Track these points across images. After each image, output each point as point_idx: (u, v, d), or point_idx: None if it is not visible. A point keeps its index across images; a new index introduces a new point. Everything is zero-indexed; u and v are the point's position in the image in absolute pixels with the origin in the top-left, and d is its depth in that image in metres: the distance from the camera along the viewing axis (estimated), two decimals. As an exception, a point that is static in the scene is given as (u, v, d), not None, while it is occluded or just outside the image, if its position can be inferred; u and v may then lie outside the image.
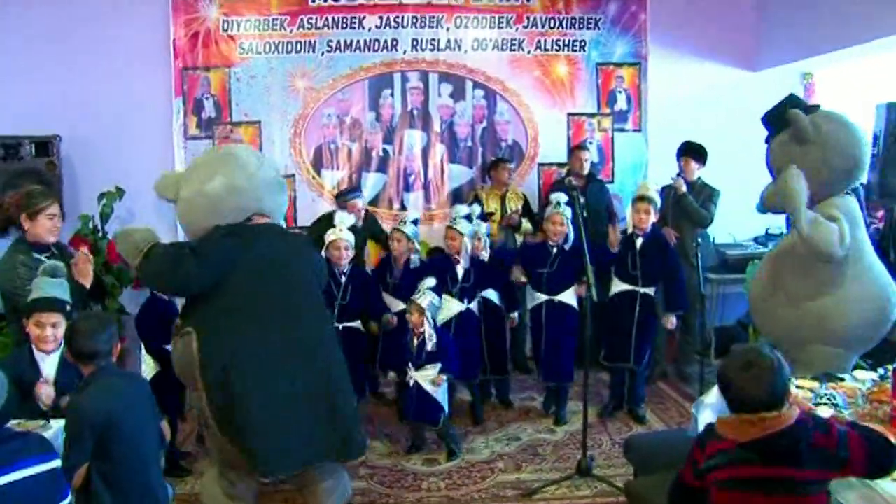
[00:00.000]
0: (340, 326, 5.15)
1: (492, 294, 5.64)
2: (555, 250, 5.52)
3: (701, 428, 3.53)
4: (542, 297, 5.56)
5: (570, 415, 5.64)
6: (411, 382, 4.98)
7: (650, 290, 5.53)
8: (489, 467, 4.87)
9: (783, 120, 4.35)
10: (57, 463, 2.67)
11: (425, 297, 4.92)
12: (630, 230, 5.57)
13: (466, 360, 5.34)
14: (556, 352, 5.55)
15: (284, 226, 4.37)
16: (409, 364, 5.00)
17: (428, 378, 4.93)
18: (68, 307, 3.68)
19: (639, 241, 5.49)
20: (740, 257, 6.79)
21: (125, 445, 3.10)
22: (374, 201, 7.07)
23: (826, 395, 3.21)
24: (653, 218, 5.49)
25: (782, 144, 4.36)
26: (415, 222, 5.86)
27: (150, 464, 3.28)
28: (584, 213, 6.09)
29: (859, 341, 4.18)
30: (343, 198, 6.14)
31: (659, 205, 5.56)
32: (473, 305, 5.54)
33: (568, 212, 5.48)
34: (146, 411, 3.29)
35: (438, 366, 4.94)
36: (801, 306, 4.22)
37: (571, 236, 5.50)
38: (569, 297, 5.56)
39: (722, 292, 7.00)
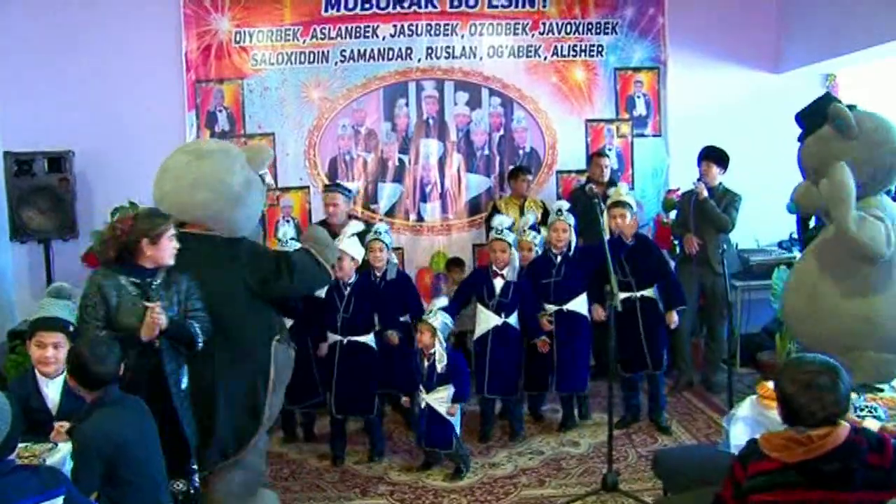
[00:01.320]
0: (345, 340, 5.05)
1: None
2: (559, 258, 5.40)
3: (733, 442, 3.43)
4: (551, 308, 5.43)
5: (592, 426, 5.56)
6: (423, 405, 4.83)
7: (648, 292, 5.47)
8: (512, 482, 4.75)
9: (819, 117, 4.19)
10: (59, 501, 2.50)
11: (437, 316, 4.77)
12: (609, 235, 5.35)
13: (503, 376, 5.29)
14: (570, 361, 5.42)
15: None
16: (421, 387, 4.85)
17: (439, 401, 4.78)
18: (71, 328, 3.58)
19: (624, 248, 5.43)
20: (764, 263, 6.66)
21: (134, 471, 3.03)
22: (390, 212, 6.98)
23: (867, 406, 3.06)
24: (631, 220, 5.45)
25: (822, 140, 4.17)
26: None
27: (159, 487, 3.20)
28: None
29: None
30: (325, 188, 6.09)
31: (635, 209, 5.57)
32: (512, 320, 5.39)
33: (570, 219, 5.39)
34: (152, 435, 3.22)
35: (451, 388, 4.80)
36: (844, 310, 4.06)
37: (573, 244, 5.41)
38: (578, 305, 5.43)
39: (747, 298, 6.84)
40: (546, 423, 5.71)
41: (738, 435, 3.43)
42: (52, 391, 3.61)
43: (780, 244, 7.17)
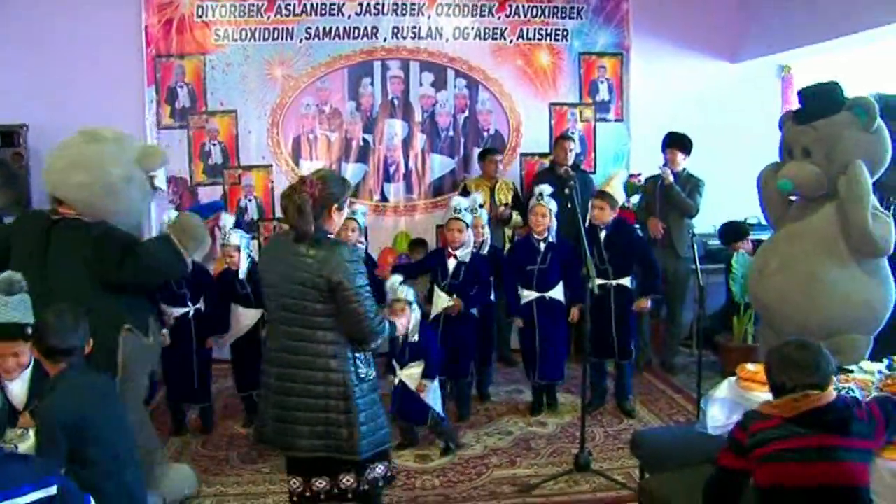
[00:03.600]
0: None
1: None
2: (543, 245, 5.39)
3: (710, 423, 3.52)
4: (533, 295, 5.43)
5: (559, 406, 5.64)
6: (397, 381, 4.86)
7: (624, 281, 5.45)
8: (483, 463, 4.78)
9: (832, 102, 4.23)
10: (53, 490, 2.39)
11: (406, 290, 4.72)
12: (588, 223, 5.43)
13: (456, 357, 5.29)
14: (549, 350, 5.44)
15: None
16: (395, 362, 4.88)
17: (413, 377, 4.80)
18: (30, 329, 3.30)
19: (602, 234, 5.40)
20: (721, 247, 6.80)
21: (99, 447, 2.94)
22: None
23: (844, 388, 3.17)
24: (610, 213, 5.38)
25: (838, 126, 4.19)
26: (238, 225, 5.73)
27: (126, 464, 3.10)
28: (569, 205, 6.09)
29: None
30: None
31: (618, 203, 5.48)
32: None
33: (552, 204, 5.37)
34: (116, 409, 3.13)
35: (422, 364, 4.82)
36: (848, 296, 4.17)
37: (554, 228, 5.41)
38: (558, 293, 5.46)
39: (703, 283, 6.96)
40: (512, 404, 5.79)
41: (716, 416, 3.51)
42: (16, 387, 3.38)
43: (735, 229, 7.32)
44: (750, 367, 3.48)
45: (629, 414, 5.50)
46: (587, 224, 5.35)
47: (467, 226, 5.34)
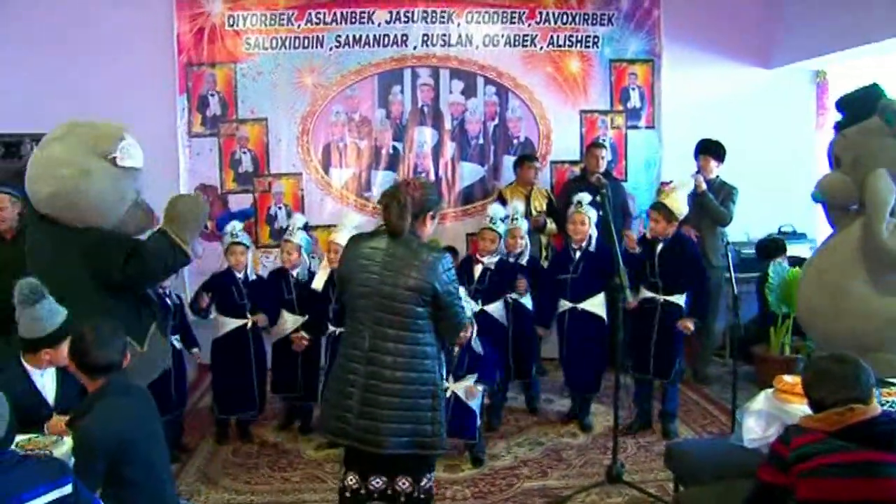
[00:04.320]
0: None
1: (525, 298, 5.49)
2: (578, 254, 5.30)
3: (747, 436, 3.45)
4: (566, 305, 5.37)
5: (592, 417, 5.54)
6: (448, 394, 4.74)
7: (674, 299, 5.14)
8: (513, 474, 4.73)
9: (865, 108, 4.15)
10: (68, 489, 2.36)
11: (469, 304, 4.72)
12: (648, 235, 5.37)
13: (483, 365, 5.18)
14: (580, 362, 5.36)
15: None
16: (449, 375, 4.75)
17: (465, 389, 4.75)
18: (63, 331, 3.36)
19: (658, 247, 5.18)
20: (754, 256, 6.71)
21: (139, 468, 2.88)
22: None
23: (886, 402, 3.09)
24: (665, 226, 5.11)
25: (867, 132, 4.13)
26: (305, 228, 5.59)
27: (164, 483, 3.07)
28: (601, 213, 6.02)
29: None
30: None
31: (677, 215, 5.14)
32: (491, 308, 5.38)
33: (591, 212, 5.28)
34: (155, 428, 3.07)
35: (475, 375, 4.79)
36: (874, 310, 4.08)
37: (594, 238, 5.31)
38: (594, 305, 5.34)
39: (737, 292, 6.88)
40: (542, 414, 5.73)
41: (752, 428, 3.43)
42: (47, 381, 3.46)
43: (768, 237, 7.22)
44: (787, 378, 3.41)
45: (668, 436, 5.20)
46: (644, 235, 5.29)
47: (500, 236, 5.32)
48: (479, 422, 4.87)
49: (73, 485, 2.35)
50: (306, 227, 5.70)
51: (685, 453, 3.77)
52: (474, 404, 4.78)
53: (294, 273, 5.32)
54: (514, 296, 5.45)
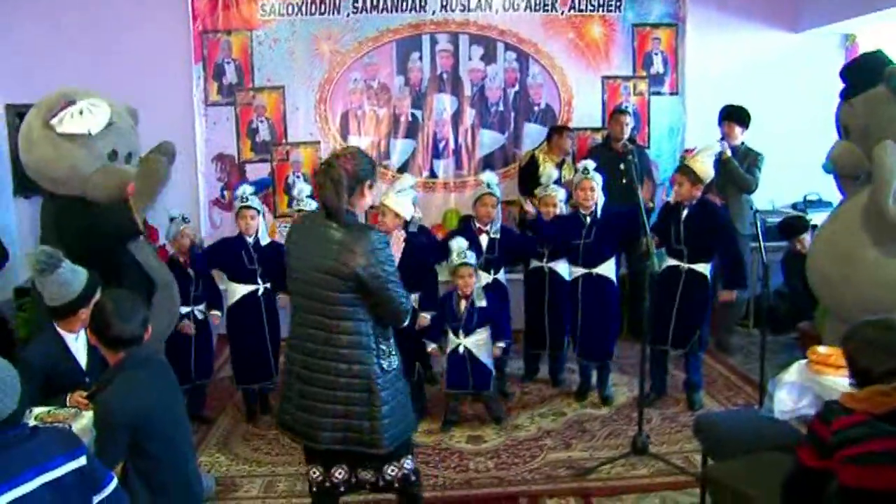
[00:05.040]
0: None
1: (560, 265, 5.41)
2: (588, 220, 5.19)
3: (778, 408, 3.37)
4: (580, 271, 5.27)
5: (612, 387, 5.49)
6: (461, 349, 4.78)
7: (699, 267, 5.01)
8: (537, 445, 4.69)
9: (870, 76, 4.04)
10: (83, 461, 2.29)
11: (469, 254, 4.77)
12: (673, 200, 5.25)
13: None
14: (595, 328, 5.25)
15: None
16: (459, 330, 4.81)
17: (480, 343, 4.77)
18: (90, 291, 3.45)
19: (684, 212, 5.01)
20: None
21: (161, 442, 2.83)
22: (402, 168, 6.83)
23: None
24: (690, 189, 4.96)
25: (873, 101, 4.03)
26: (312, 197, 5.36)
27: (187, 458, 3.03)
28: (624, 181, 5.93)
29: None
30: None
31: (703, 178, 5.00)
32: (501, 276, 5.34)
33: (598, 178, 5.17)
34: (176, 401, 3.02)
35: (487, 329, 4.82)
36: (884, 277, 4.00)
37: (600, 203, 5.21)
38: (607, 269, 5.27)
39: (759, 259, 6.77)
40: (565, 385, 5.65)
41: (784, 400, 3.35)
42: (80, 346, 3.49)
43: (794, 206, 7.12)
44: (821, 349, 3.33)
45: (693, 406, 5.17)
46: (671, 200, 5.19)
47: (499, 200, 5.27)
48: (493, 373, 4.90)
49: (86, 457, 2.30)
50: (312, 196, 5.57)
51: (714, 425, 3.68)
52: (487, 360, 4.80)
53: (262, 239, 5.18)
54: (549, 265, 5.42)
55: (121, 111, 4.27)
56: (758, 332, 6.68)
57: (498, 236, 5.26)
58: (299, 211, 5.15)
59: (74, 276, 3.42)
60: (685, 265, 5.05)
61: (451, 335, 4.86)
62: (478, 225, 5.27)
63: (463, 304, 4.81)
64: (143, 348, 2.92)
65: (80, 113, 3.95)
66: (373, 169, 3.16)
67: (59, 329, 3.47)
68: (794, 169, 6.64)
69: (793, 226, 6.08)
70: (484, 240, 5.24)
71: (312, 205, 5.17)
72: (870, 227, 4.06)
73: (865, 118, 4.03)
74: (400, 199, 4.80)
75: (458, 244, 4.81)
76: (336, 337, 3.05)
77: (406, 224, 5.10)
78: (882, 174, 3.85)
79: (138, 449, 2.76)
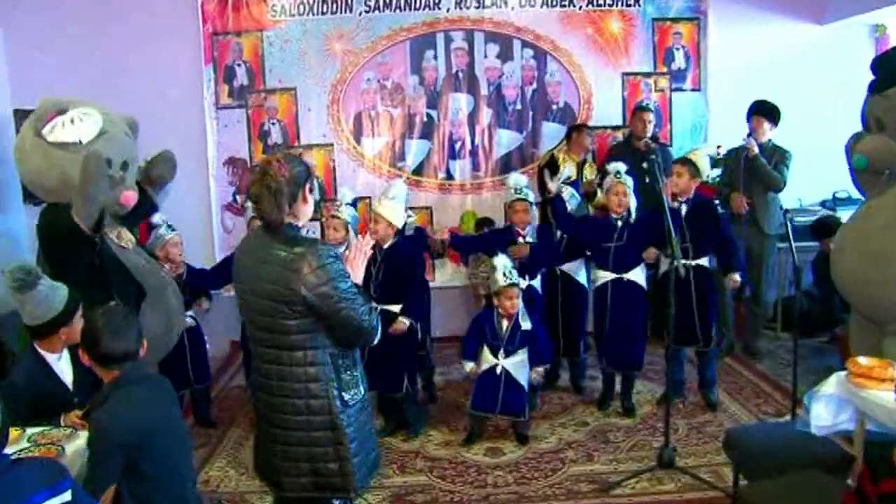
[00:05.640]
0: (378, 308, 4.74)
1: (576, 268, 5.29)
2: (619, 223, 5.02)
3: (815, 423, 3.16)
4: (609, 276, 5.06)
5: (635, 394, 5.29)
6: (499, 370, 4.59)
7: (703, 261, 5.02)
8: (558, 457, 4.50)
9: None
10: (67, 496, 2.14)
11: (515, 273, 4.59)
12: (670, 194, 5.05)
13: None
14: (625, 336, 5.05)
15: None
16: (499, 351, 4.62)
17: (518, 364, 4.60)
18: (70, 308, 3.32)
19: (683, 209, 4.99)
20: (807, 223, 6.36)
21: (159, 463, 2.68)
22: (417, 170, 6.67)
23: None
24: (688, 182, 4.98)
25: None
26: (353, 204, 5.28)
27: (185, 479, 2.88)
28: (647, 180, 5.74)
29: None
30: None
31: (699, 174, 5.04)
32: (536, 283, 5.15)
33: (629, 181, 5.01)
34: (175, 420, 2.89)
35: (526, 351, 4.66)
36: None
37: (633, 206, 5.03)
38: (637, 275, 5.08)
39: (787, 260, 6.55)
40: (587, 393, 5.47)
41: (821, 415, 3.14)
42: (63, 365, 3.34)
43: (823, 203, 6.89)
44: (862, 360, 3.10)
45: (713, 406, 5.12)
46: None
47: (532, 204, 5.10)
48: (527, 398, 4.70)
49: (71, 491, 2.14)
50: (354, 203, 5.41)
51: (746, 440, 3.49)
52: (523, 380, 4.61)
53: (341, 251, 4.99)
54: (564, 268, 5.28)
55: (115, 120, 4.16)
56: (787, 336, 6.51)
57: (534, 241, 5.11)
58: (334, 217, 5.00)
59: (54, 293, 3.28)
60: (691, 262, 5.00)
61: (487, 354, 4.66)
62: (517, 229, 5.13)
63: (505, 323, 4.63)
64: (140, 364, 2.78)
65: (72, 122, 3.90)
66: (309, 172, 2.83)
67: (39, 349, 3.30)
68: (823, 166, 6.36)
69: (827, 226, 5.85)
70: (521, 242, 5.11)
71: (350, 211, 5.03)
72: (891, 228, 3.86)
73: None
74: (393, 205, 4.68)
75: (504, 263, 4.61)
76: (289, 370, 2.74)
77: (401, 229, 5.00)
78: None
79: (134, 470, 2.62)
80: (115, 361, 2.70)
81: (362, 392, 2.89)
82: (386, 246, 4.72)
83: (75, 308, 3.22)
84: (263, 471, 2.93)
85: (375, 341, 2.86)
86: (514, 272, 4.60)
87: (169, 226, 4.94)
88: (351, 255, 2.93)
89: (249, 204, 4.99)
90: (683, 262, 4.92)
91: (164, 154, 4.47)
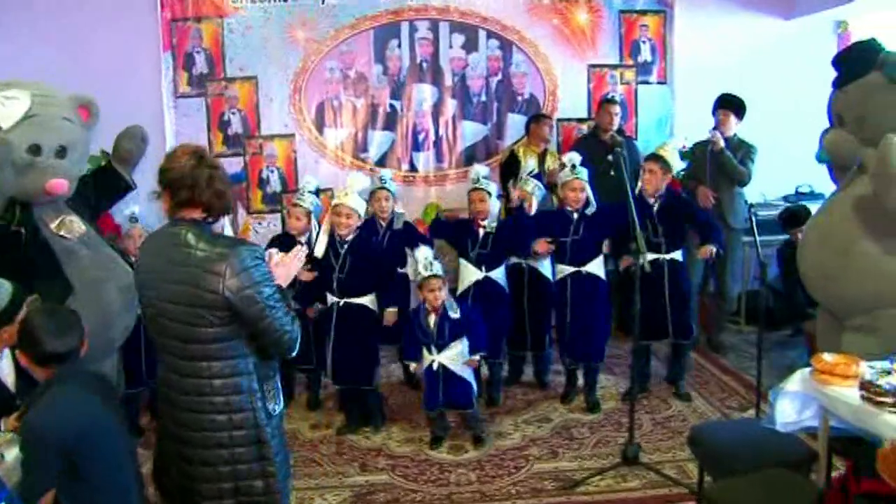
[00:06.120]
0: (341, 302, 4.68)
1: (542, 262, 5.19)
2: (575, 216, 4.96)
3: (780, 419, 3.13)
4: (567, 269, 5.01)
5: (600, 389, 5.24)
6: (435, 366, 4.48)
7: (677, 255, 5.04)
8: (522, 455, 4.42)
9: (864, 63, 3.83)
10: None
11: (436, 264, 4.46)
12: (637, 193, 5.04)
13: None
14: (585, 329, 5.00)
15: None
16: (431, 346, 4.50)
17: (454, 357, 4.46)
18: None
19: (655, 206, 4.97)
20: (770, 218, 6.36)
21: (97, 465, 2.54)
22: (381, 161, 6.57)
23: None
24: (661, 178, 4.97)
25: (868, 88, 3.80)
26: (316, 193, 5.19)
27: (129, 483, 2.72)
28: (612, 173, 5.69)
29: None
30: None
31: (671, 169, 5.06)
32: (495, 274, 5.05)
33: (584, 174, 4.94)
34: (114, 420, 2.72)
35: (463, 342, 4.49)
36: (887, 270, 3.76)
37: (591, 198, 4.98)
38: (596, 267, 5.03)
39: (751, 254, 6.56)
40: (551, 388, 5.40)
41: (786, 411, 3.10)
42: (5, 366, 3.12)
43: (785, 198, 6.90)
44: (827, 357, 3.06)
45: (683, 397, 5.12)
46: (636, 194, 4.96)
47: (489, 195, 5.01)
48: (475, 389, 4.58)
49: (5, 502, 2.02)
50: (317, 191, 5.31)
51: (711, 437, 3.44)
52: (466, 374, 4.51)
53: (301, 240, 4.88)
54: (529, 262, 5.18)
55: (54, 103, 3.88)
56: (750, 329, 6.52)
57: (493, 231, 5.01)
58: (296, 205, 4.89)
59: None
60: (665, 256, 4.99)
61: (425, 352, 4.55)
62: (478, 220, 5.04)
63: (432, 318, 4.48)
64: (74, 362, 2.64)
65: None
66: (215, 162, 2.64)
67: None
68: (786, 160, 6.41)
69: (796, 215, 5.83)
70: (480, 233, 5.02)
71: (312, 199, 4.92)
72: (869, 219, 3.84)
73: (860, 106, 3.83)
74: (357, 197, 4.65)
75: (424, 254, 4.49)
76: (208, 383, 2.51)
77: (390, 222, 5.08)
78: (887, 171, 3.62)
79: (73, 474, 2.49)
80: (55, 360, 2.58)
81: (282, 404, 2.74)
82: (349, 238, 4.63)
83: (18, 307, 3.03)
84: (174, 496, 2.69)
85: (294, 353, 2.66)
86: (436, 263, 4.45)
87: (132, 218, 4.79)
88: (283, 258, 2.75)
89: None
90: (657, 256, 4.89)
91: (127, 129, 4.29)
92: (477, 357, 4.52)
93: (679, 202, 5.18)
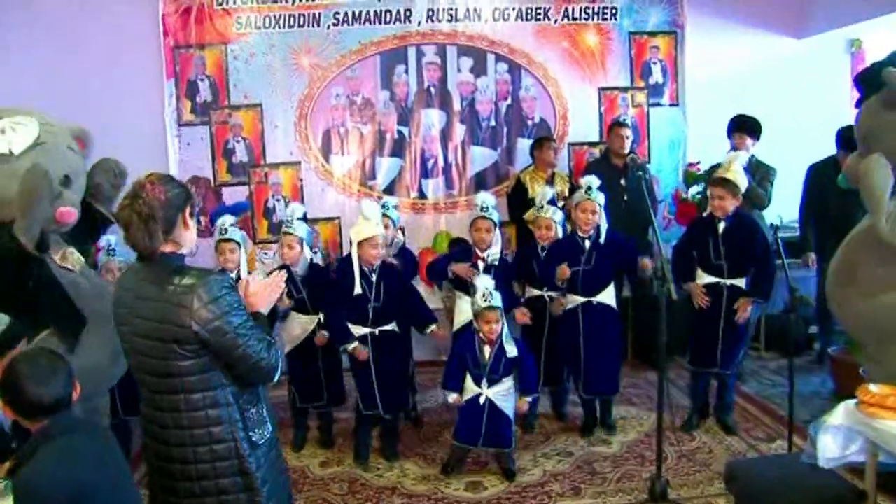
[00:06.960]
0: (377, 331, 4.55)
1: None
2: (587, 244, 4.81)
3: (823, 455, 2.96)
4: (579, 299, 4.86)
5: (620, 421, 5.10)
6: (482, 400, 4.32)
7: (739, 282, 4.77)
8: (544, 491, 4.24)
9: (876, 82, 3.72)
10: None
11: (496, 295, 4.30)
12: (706, 214, 4.91)
13: None
14: (598, 361, 4.85)
15: None
16: (482, 379, 4.34)
17: (504, 393, 4.34)
18: None
19: (721, 226, 4.75)
20: (789, 240, 6.21)
21: None
22: (389, 189, 6.43)
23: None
24: (731, 202, 4.71)
25: (871, 108, 3.74)
26: (304, 218, 5.05)
27: None
28: (625, 197, 5.58)
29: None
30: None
31: (740, 191, 4.75)
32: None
33: (601, 198, 4.80)
34: (121, 472, 2.53)
35: (511, 378, 4.39)
36: (876, 299, 3.67)
37: (604, 225, 4.84)
38: (607, 296, 4.88)
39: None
40: (569, 420, 5.22)
41: (829, 446, 2.95)
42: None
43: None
44: (873, 388, 2.91)
45: (730, 430, 4.90)
46: (704, 214, 4.89)
47: (495, 225, 4.86)
48: (514, 428, 4.46)
49: None
50: (305, 218, 5.18)
51: (748, 474, 3.27)
52: (508, 410, 4.35)
53: (296, 269, 4.77)
54: (551, 292, 5.02)
55: (57, 131, 3.77)
56: (770, 356, 6.36)
57: (496, 264, 4.85)
58: (287, 233, 4.76)
59: None
60: (726, 281, 4.78)
61: (470, 383, 4.39)
62: (476, 250, 4.87)
63: (488, 350, 4.34)
64: (72, 410, 2.45)
65: (3, 132, 3.53)
66: (189, 194, 2.56)
67: None
68: (802, 180, 6.28)
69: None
70: (480, 267, 4.82)
71: (302, 229, 4.78)
72: (869, 245, 3.77)
73: (864, 128, 3.74)
74: (376, 225, 4.54)
75: (484, 284, 4.35)
76: (188, 416, 2.46)
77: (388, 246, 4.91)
78: (869, 195, 3.52)
79: None
80: (43, 412, 2.38)
81: (270, 429, 2.64)
82: (377, 265, 4.54)
83: (11, 342, 2.87)
84: None
85: (275, 379, 2.59)
86: (495, 293, 4.31)
87: (110, 250, 4.66)
88: (257, 286, 2.68)
89: (220, 223, 4.76)
90: (717, 280, 4.76)
91: (100, 162, 4.13)
92: (529, 399, 4.42)
93: (748, 226, 4.84)
